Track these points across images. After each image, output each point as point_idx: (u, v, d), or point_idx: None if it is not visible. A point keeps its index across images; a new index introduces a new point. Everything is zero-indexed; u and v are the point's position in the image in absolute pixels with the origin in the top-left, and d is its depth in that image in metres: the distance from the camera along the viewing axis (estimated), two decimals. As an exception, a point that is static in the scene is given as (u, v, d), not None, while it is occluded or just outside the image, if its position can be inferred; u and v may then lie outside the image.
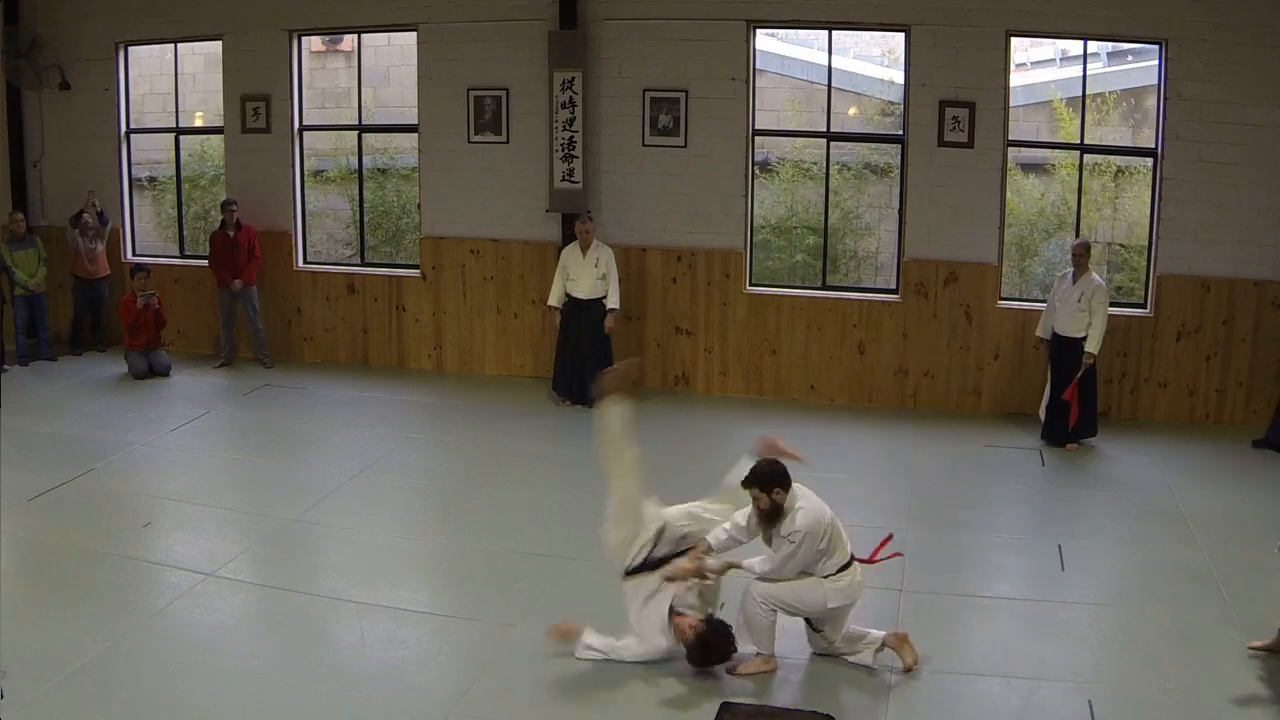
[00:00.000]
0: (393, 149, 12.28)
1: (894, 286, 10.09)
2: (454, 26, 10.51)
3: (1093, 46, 10.00)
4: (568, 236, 10.17)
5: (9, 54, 11.34)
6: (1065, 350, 8.92)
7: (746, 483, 5.26)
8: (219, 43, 11.23)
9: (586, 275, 9.77)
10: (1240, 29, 9.03)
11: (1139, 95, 10.85)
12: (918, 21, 9.60)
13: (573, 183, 10.33)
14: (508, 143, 10.56)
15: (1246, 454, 8.79)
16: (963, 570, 6.71)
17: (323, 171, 12.47)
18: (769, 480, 5.25)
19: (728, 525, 5.41)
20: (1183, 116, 9.23)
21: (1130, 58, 10.92)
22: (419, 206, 11.04)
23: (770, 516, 5.27)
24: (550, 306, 10.04)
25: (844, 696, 5.21)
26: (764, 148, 10.87)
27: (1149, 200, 9.69)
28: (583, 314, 9.83)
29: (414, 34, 10.74)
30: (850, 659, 5.49)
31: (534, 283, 10.62)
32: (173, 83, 11.77)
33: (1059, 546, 6.96)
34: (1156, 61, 9.40)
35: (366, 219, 11.65)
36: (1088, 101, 9.89)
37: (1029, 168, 11.17)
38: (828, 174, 10.42)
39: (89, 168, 11.65)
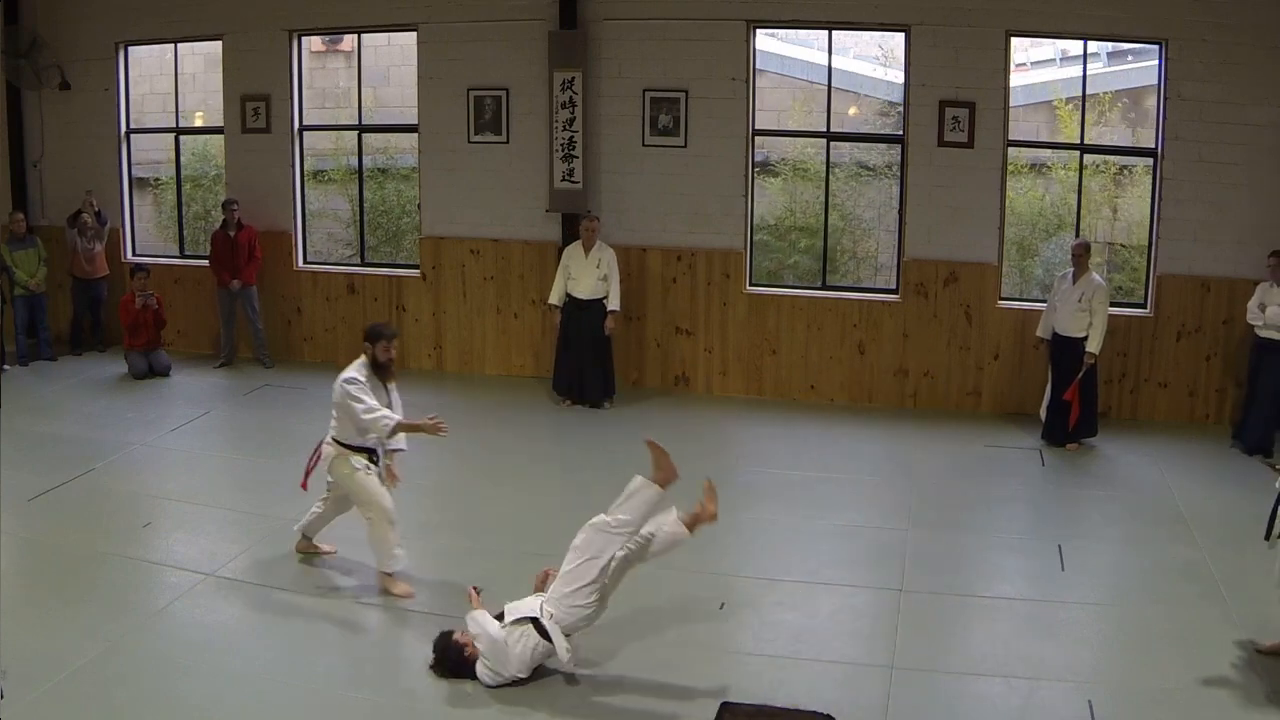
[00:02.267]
0: (392, 149, 12.28)
1: (894, 286, 10.09)
2: (454, 26, 10.51)
3: (1093, 46, 10.00)
4: (568, 236, 10.17)
5: (9, 54, 11.34)
6: (1066, 350, 8.92)
7: (376, 336, 6.26)
8: (219, 43, 11.24)
9: (588, 275, 9.77)
10: (1240, 29, 9.03)
11: (1139, 95, 10.86)
12: (918, 21, 9.61)
13: (573, 183, 10.33)
14: (508, 143, 10.56)
15: (1241, 453, 8.79)
16: (963, 570, 6.71)
17: (323, 171, 12.46)
18: (394, 334, 6.34)
19: (365, 398, 6.09)
20: (1183, 116, 9.24)
21: (1130, 58, 10.92)
22: (419, 206, 11.04)
23: (389, 368, 6.31)
24: (550, 305, 10.04)
25: (844, 696, 5.21)
26: (764, 148, 10.87)
27: (1149, 200, 9.70)
28: (583, 314, 9.82)
29: (414, 34, 10.74)
30: None
31: (534, 283, 10.62)
32: (173, 83, 11.78)
33: (1059, 546, 6.96)
34: (1156, 61, 9.41)
35: (366, 219, 11.66)
36: (1088, 101, 9.89)
37: (1034, 166, 11.17)
38: (828, 174, 10.43)
39: (89, 168, 11.65)
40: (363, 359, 6.29)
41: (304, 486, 6.55)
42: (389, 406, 6.29)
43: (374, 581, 6.40)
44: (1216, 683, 5.35)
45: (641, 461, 8.78)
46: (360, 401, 6.09)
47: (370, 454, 6.31)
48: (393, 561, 6.27)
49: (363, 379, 6.19)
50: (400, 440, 6.33)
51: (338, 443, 6.28)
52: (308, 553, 6.68)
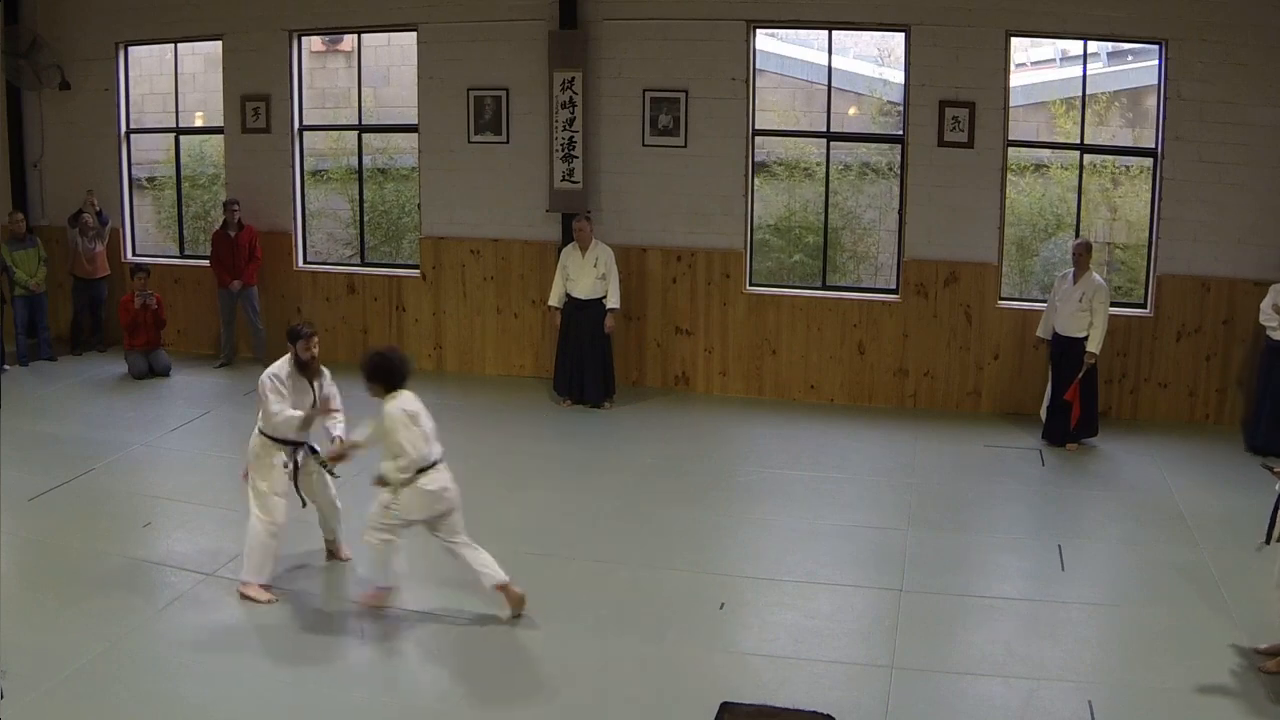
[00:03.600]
0: (391, 149, 12.27)
1: (894, 286, 10.09)
2: (454, 26, 10.51)
3: (1093, 46, 10.00)
4: (568, 236, 10.17)
5: (9, 54, 11.34)
6: (1066, 350, 8.92)
7: (294, 336, 6.37)
8: (219, 43, 11.24)
9: (585, 275, 9.77)
10: (1240, 29, 9.03)
11: (1139, 95, 10.85)
12: (918, 21, 9.61)
13: (573, 183, 10.33)
14: (508, 143, 10.56)
15: (1246, 454, 8.79)
16: (963, 570, 6.71)
17: (322, 171, 12.46)
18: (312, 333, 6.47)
19: (273, 399, 6.22)
20: (1183, 116, 9.23)
21: (1130, 58, 10.92)
22: (419, 206, 11.04)
23: (312, 366, 6.40)
24: (550, 307, 10.04)
25: (844, 696, 5.21)
26: (764, 148, 10.87)
27: (1149, 200, 9.70)
28: (582, 314, 9.82)
29: (414, 34, 10.75)
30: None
31: (534, 283, 10.62)
32: (173, 83, 11.78)
33: (1059, 546, 6.96)
34: (1156, 61, 9.41)
35: (366, 219, 11.65)
36: (1088, 101, 9.89)
37: (1036, 167, 11.17)
38: (828, 174, 10.42)
39: (89, 168, 11.65)
40: (287, 357, 6.38)
41: (244, 477, 6.48)
42: (315, 403, 6.36)
43: (372, 582, 6.40)
44: (1216, 683, 5.35)
45: (640, 463, 8.81)
46: (267, 400, 6.20)
47: (295, 448, 6.33)
48: (260, 574, 6.21)
49: (282, 376, 6.28)
50: (339, 427, 6.45)
51: (263, 435, 6.31)
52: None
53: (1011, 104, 9.74)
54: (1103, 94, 10.88)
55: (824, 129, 10.32)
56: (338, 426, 6.45)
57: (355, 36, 11.31)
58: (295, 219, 11.29)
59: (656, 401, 10.17)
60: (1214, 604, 6.19)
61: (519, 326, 10.82)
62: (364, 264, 11.48)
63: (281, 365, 6.33)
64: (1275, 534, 5.55)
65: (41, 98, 11.66)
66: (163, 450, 8.69)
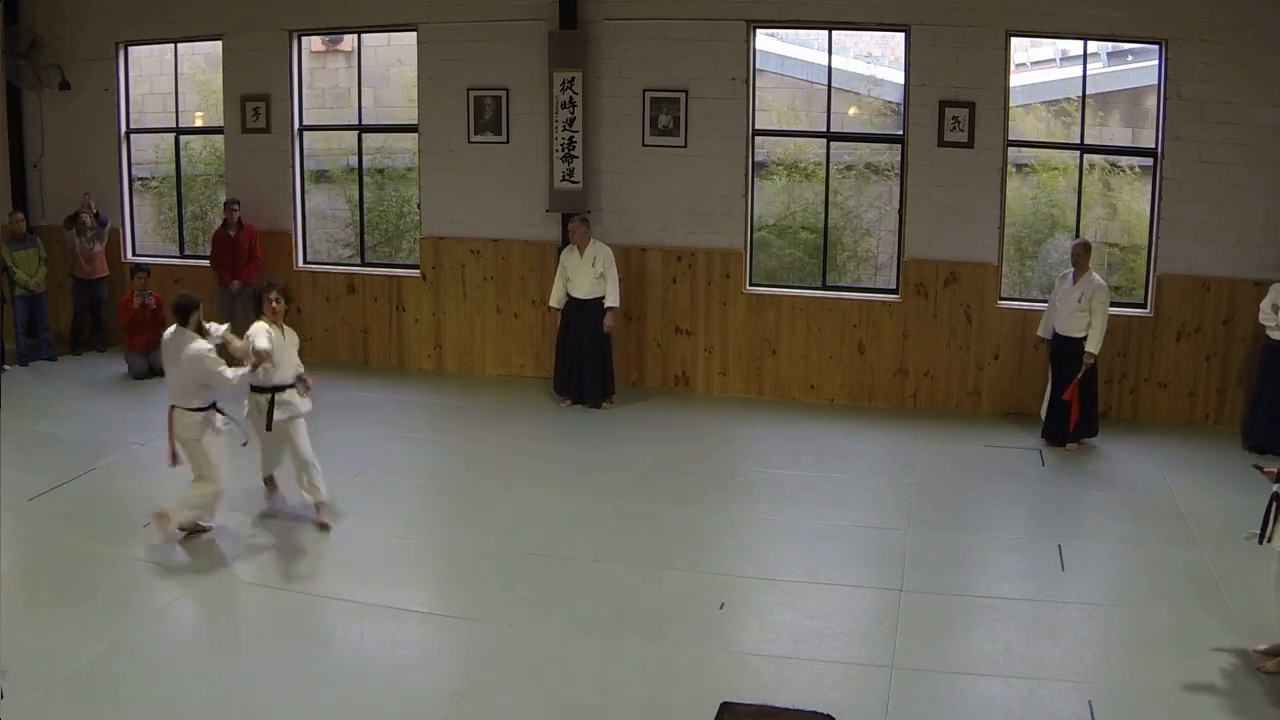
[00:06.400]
0: (387, 149, 12.26)
1: (894, 286, 10.09)
2: (454, 26, 10.52)
3: (1093, 46, 10.00)
4: (567, 237, 10.17)
5: (9, 54, 11.34)
6: (1066, 350, 8.92)
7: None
8: (219, 43, 11.24)
9: (584, 275, 9.77)
10: (1240, 29, 9.04)
11: (1139, 95, 10.85)
12: (918, 21, 9.61)
13: (573, 183, 10.33)
14: (508, 143, 10.56)
15: (1246, 454, 8.78)
16: (963, 570, 6.72)
17: (322, 172, 12.45)
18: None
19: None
20: (1183, 116, 9.24)
21: (1130, 58, 10.92)
22: (419, 206, 11.04)
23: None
24: (551, 308, 10.04)
25: (844, 696, 5.21)
26: (763, 148, 10.87)
27: (1149, 200, 9.70)
28: (581, 314, 9.82)
29: (414, 34, 10.75)
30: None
31: (534, 283, 10.62)
32: (173, 83, 11.78)
33: (1059, 546, 6.96)
34: (1156, 61, 9.41)
35: (366, 219, 11.64)
36: (1088, 101, 9.88)
37: (1024, 167, 11.17)
38: (828, 174, 10.42)
39: (89, 168, 11.65)
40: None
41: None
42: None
43: (374, 580, 6.41)
44: (1216, 683, 5.35)
45: (640, 463, 8.82)
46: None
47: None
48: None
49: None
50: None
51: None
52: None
53: (1012, 104, 9.73)
54: (1103, 94, 10.87)
55: (824, 129, 10.32)
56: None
57: (355, 36, 11.31)
58: (295, 219, 11.29)
59: (656, 401, 10.17)
60: (1214, 604, 6.19)
61: (519, 326, 10.82)
62: (364, 264, 11.48)
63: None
64: (1269, 533, 5.55)
65: (41, 98, 11.66)
66: (162, 450, 8.66)
